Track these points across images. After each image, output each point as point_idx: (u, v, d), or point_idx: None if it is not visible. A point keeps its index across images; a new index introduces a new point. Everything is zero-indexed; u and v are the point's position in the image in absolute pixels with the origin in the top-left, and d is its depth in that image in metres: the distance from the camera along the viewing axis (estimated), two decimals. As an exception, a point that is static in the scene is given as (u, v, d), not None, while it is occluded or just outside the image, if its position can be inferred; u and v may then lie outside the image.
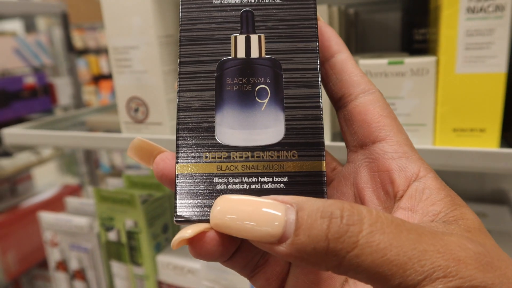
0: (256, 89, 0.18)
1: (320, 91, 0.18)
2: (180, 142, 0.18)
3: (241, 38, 0.18)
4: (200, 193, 0.17)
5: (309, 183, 0.17)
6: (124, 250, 0.56)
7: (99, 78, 2.65)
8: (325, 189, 0.17)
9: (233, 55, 0.18)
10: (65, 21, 1.19)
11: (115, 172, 2.18)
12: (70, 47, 1.21)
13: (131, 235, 0.55)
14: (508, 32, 0.33)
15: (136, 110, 0.46)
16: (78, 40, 2.64)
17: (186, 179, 0.17)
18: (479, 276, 0.12)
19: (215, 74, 0.18)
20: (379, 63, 0.37)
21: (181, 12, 0.19)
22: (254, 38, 0.18)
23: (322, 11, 0.39)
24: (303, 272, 0.18)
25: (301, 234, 0.13)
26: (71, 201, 0.65)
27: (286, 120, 0.18)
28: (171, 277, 0.55)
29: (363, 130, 0.18)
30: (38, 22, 1.94)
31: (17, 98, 1.13)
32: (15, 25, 1.82)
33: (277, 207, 0.14)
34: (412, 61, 0.36)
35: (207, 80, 0.18)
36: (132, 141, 0.19)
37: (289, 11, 0.19)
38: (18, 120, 1.12)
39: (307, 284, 0.18)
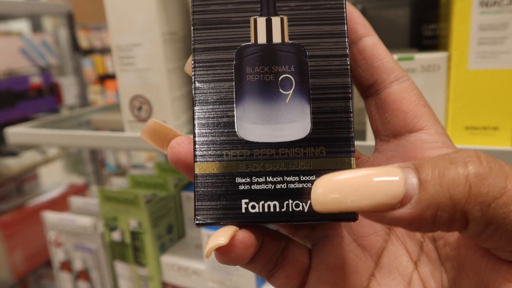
0: (280, 79, 0.16)
1: (350, 80, 0.16)
2: (198, 139, 0.16)
3: (261, 21, 0.16)
4: (221, 194, 0.16)
5: None
6: (128, 250, 0.56)
7: (105, 78, 2.66)
8: None
9: (253, 41, 0.16)
10: (70, 21, 1.19)
11: (121, 171, 2.19)
12: (75, 47, 1.21)
13: (135, 235, 0.55)
14: (523, 26, 0.32)
15: (140, 108, 0.46)
16: (84, 40, 2.65)
17: (206, 179, 0.16)
18: None
19: (234, 62, 0.16)
20: (388, 59, 0.35)
21: None
22: (276, 21, 0.16)
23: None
24: (327, 266, 0.17)
25: (430, 186, 0.11)
26: (75, 200, 0.64)
27: (313, 113, 0.16)
28: (176, 278, 0.54)
29: (398, 119, 0.17)
30: (44, 22, 1.95)
31: (23, 97, 1.14)
32: (21, 25, 1.83)
33: (391, 171, 0.12)
34: (422, 57, 0.35)
35: (225, 69, 0.16)
36: (146, 123, 0.18)
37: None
38: (24, 120, 1.13)
39: (331, 279, 0.17)
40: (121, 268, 0.57)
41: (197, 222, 0.16)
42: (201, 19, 0.16)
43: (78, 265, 0.61)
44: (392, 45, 0.58)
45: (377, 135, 0.18)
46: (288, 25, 0.16)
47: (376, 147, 0.19)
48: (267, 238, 0.17)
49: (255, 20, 0.17)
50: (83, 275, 0.61)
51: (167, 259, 0.54)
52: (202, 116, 0.16)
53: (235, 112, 0.16)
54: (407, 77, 0.17)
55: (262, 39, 0.16)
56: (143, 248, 0.55)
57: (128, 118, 0.47)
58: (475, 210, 0.11)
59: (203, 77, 0.16)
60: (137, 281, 0.57)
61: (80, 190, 1.25)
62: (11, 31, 1.60)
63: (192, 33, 0.17)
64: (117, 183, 0.65)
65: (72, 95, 1.27)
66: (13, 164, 1.17)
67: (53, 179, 1.47)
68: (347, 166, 0.16)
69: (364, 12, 0.54)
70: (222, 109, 0.16)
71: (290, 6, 0.16)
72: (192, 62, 0.16)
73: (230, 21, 0.16)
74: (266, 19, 0.16)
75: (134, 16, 0.43)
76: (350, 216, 0.15)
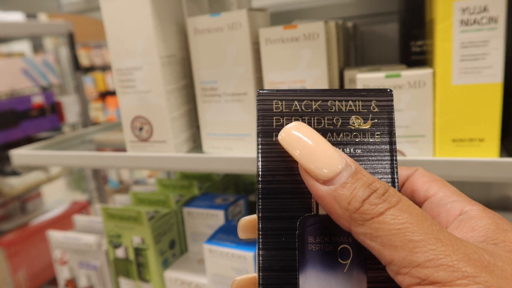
0: (339, 249, 0.18)
1: None
2: None
3: None
4: None
5: None
6: (132, 266, 0.57)
7: (106, 95, 2.69)
8: None
9: (314, 211, 0.18)
10: (71, 41, 1.22)
11: (124, 187, 2.20)
12: (76, 66, 1.23)
13: (138, 251, 0.56)
14: (502, 43, 0.34)
15: (141, 129, 0.47)
16: (84, 58, 2.69)
17: None
18: (475, 272, 0.13)
19: (297, 231, 0.18)
20: (377, 76, 0.37)
21: (261, 161, 0.18)
22: None
23: (319, 28, 0.40)
24: None
25: (347, 188, 0.15)
26: (80, 219, 0.65)
27: (369, 282, 0.17)
28: (179, 293, 0.55)
29: (412, 200, 0.20)
30: (45, 42, 1.98)
31: (26, 117, 1.16)
32: (23, 46, 1.86)
33: (340, 156, 0.16)
34: (409, 74, 0.36)
35: (289, 238, 0.18)
36: (238, 223, 0.21)
37: (367, 145, 0.18)
38: (27, 139, 1.14)
39: None
40: (126, 284, 0.58)
41: None
42: (268, 188, 0.18)
43: (83, 282, 0.62)
44: (383, 60, 0.60)
45: None
46: None
47: None
48: None
49: None
50: (88, 292, 0.62)
51: (170, 274, 0.56)
52: (267, 282, 0.18)
53: (298, 279, 0.18)
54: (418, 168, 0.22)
55: (323, 210, 0.18)
56: (146, 264, 0.56)
57: (130, 138, 0.48)
58: (357, 221, 0.15)
59: (269, 245, 0.18)
60: (142, 297, 0.58)
61: (83, 208, 1.26)
62: (13, 52, 1.63)
63: (259, 202, 0.18)
64: (120, 200, 0.67)
65: (74, 113, 1.29)
66: (16, 183, 1.18)
67: (56, 197, 1.48)
68: None
69: (355, 28, 0.56)
70: (285, 277, 0.18)
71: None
72: (259, 229, 0.18)
73: (293, 192, 0.18)
74: None
75: (133, 42, 0.45)
76: None
